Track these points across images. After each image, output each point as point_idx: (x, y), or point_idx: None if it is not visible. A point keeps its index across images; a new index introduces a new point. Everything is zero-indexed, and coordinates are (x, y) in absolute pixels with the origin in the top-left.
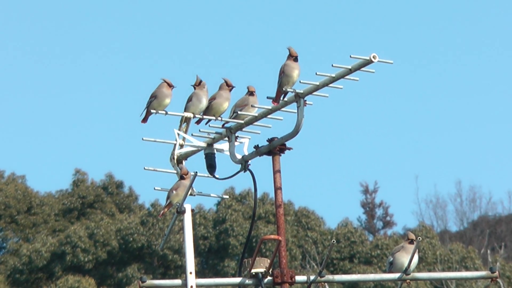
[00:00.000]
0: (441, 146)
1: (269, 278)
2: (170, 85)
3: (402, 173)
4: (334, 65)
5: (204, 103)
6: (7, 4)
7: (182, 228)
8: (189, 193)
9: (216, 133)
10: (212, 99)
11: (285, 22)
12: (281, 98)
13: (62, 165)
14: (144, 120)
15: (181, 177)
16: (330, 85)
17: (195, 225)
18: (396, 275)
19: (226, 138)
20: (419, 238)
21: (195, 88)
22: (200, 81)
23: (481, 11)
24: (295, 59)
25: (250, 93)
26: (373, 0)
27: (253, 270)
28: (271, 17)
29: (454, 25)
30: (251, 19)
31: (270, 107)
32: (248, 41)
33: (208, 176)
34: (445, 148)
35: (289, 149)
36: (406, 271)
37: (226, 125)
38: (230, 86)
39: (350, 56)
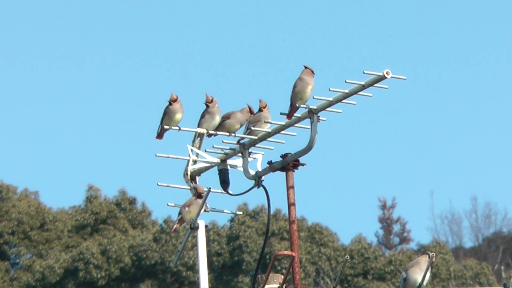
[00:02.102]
0: (457, 162)
1: None
2: (173, 100)
3: (418, 189)
4: (347, 81)
5: (217, 119)
6: (19, 22)
7: (195, 245)
8: (202, 209)
9: (229, 149)
10: (226, 118)
11: (299, 38)
12: (295, 114)
13: (75, 181)
14: (159, 136)
15: (198, 196)
16: (344, 101)
17: (208, 241)
18: None
19: (240, 154)
20: (433, 254)
21: (207, 106)
22: (212, 99)
23: (499, 26)
24: (310, 75)
25: (259, 109)
26: (387, 17)
27: (267, 286)
28: (285, 33)
29: (468, 39)
30: (265, 34)
31: (283, 123)
32: (262, 55)
33: (221, 192)
34: (460, 164)
35: (303, 165)
36: (419, 287)
37: (240, 141)
38: (252, 113)
39: (364, 72)
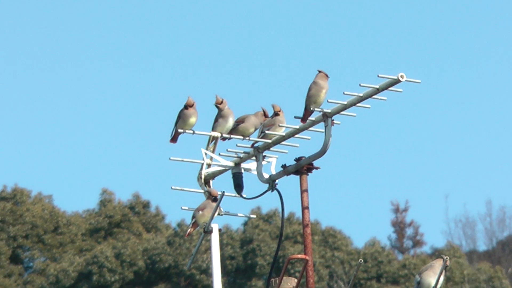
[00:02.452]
0: (472, 165)
1: None
2: (190, 104)
3: (432, 192)
4: (361, 84)
5: (230, 122)
6: (34, 28)
7: (209, 248)
8: (216, 213)
9: (243, 152)
10: (240, 122)
11: (314, 41)
12: (309, 118)
13: (89, 185)
14: (173, 140)
15: (214, 199)
16: (358, 104)
17: (222, 245)
18: None
19: (254, 158)
20: (447, 258)
21: (218, 108)
22: (222, 100)
23: None
24: (325, 78)
25: (275, 113)
26: (401, 20)
27: None
28: (300, 36)
29: (484, 41)
30: (279, 37)
31: (297, 127)
32: (276, 59)
33: (235, 196)
34: (475, 167)
35: (317, 168)
36: None
37: (254, 145)
38: (266, 116)
39: (378, 76)
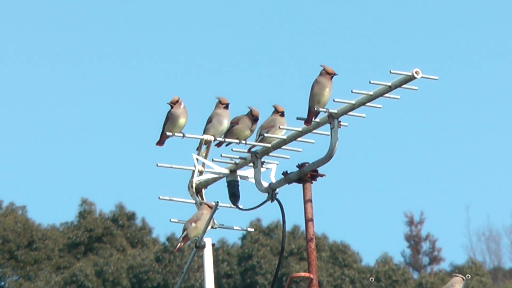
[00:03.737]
0: (496, 172)
1: None
2: (174, 102)
3: (451, 203)
4: (372, 81)
5: (225, 124)
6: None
7: (202, 265)
8: (209, 225)
9: (239, 158)
10: (234, 123)
11: (317, 35)
12: (313, 119)
13: (67, 195)
14: (160, 142)
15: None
16: (368, 104)
17: (217, 261)
18: None
19: (251, 164)
20: (468, 276)
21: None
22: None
23: None
24: (328, 75)
25: (278, 113)
26: (414, 11)
27: None
28: (302, 30)
29: (508, 36)
30: (279, 33)
31: (300, 129)
32: (275, 55)
33: (231, 207)
34: (500, 175)
35: (322, 175)
36: None
37: (251, 150)
38: (255, 116)
39: (390, 72)
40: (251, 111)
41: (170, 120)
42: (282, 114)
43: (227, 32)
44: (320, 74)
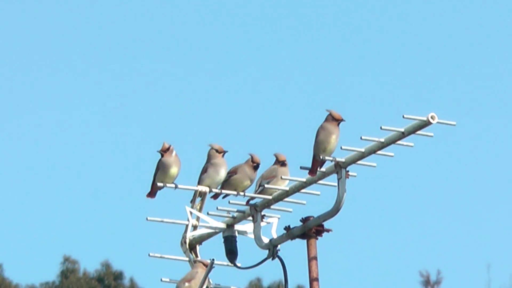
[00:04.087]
0: None
1: None
2: (164, 149)
3: (471, 261)
4: (383, 127)
5: (222, 175)
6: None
7: None
8: (205, 285)
9: (237, 211)
10: (232, 173)
11: (323, 75)
12: (318, 169)
13: (48, 251)
14: (151, 194)
15: (282, 164)
16: (379, 152)
17: None
18: None
19: (250, 218)
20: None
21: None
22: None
23: None
24: (334, 121)
25: (280, 162)
26: (430, 49)
27: None
28: (305, 69)
29: None
30: (281, 71)
31: (304, 180)
32: (277, 98)
33: (227, 265)
34: None
35: (328, 230)
36: None
37: (250, 202)
38: (255, 163)
39: (403, 117)
40: (251, 157)
41: (161, 170)
42: (284, 164)
43: (224, 69)
44: (326, 120)
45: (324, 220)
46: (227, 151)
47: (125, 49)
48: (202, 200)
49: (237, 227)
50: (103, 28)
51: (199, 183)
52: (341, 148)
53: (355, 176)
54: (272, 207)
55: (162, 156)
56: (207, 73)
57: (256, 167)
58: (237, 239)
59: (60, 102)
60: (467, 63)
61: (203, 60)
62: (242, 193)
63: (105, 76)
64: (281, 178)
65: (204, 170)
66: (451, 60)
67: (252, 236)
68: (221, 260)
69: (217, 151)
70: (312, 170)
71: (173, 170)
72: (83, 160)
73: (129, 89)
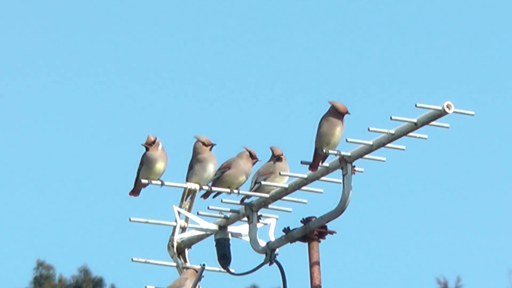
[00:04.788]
0: None
1: None
2: (149, 142)
3: (491, 266)
4: (393, 117)
5: (210, 171)
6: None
7: None
8: None
9: (231, 211)
10: (224, 168)
11: (326, 62)
12: (321, 163)
13: (20, 256)
14: (134, 192)
15: (277, 158)
16: (388, 145)
17: None
18: None
19: (245, 218)
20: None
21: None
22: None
23: None
24: (339, 112)
25: (277, 157)
26: (447, 33)
27: None
28: (308, 56)
29: None
30: (279, 57)
31: (305, 176)
32: (276, 88)
33: (220, 271)
34: None
35: (332, 232)
36: None
37: (245, 201)
38: (254, 159)
39: (416, 106)
40: (249, 152)
41: (145, 165)
42: (280, 158)
43: (217, 57)
44: (330, 110)
45: (327, 221)
46: (215, 144)
47: (108, 41)
48: (192, 199)
49: (231, 228)
50: (94, 24)
51: (187, 180)
52: (346, 140)
53: (362, 171)
54: (269, 206)
55: (147, 150)
56: (198, 63)
57: (254, 162)
58: (230, 242)
59: (35, 100)
60: (487, 45)
61: (191, 51)
62: (236, 191)
63: (83, 68)
64: (280, 174)
65: (190, 167)
66: (469, 43)
67: (247, 238)
68: (213, 265)
69: (204, 143)
70: (314, 165)
71: (159, 166)
72: (58, 154)
73: (108, 79)
